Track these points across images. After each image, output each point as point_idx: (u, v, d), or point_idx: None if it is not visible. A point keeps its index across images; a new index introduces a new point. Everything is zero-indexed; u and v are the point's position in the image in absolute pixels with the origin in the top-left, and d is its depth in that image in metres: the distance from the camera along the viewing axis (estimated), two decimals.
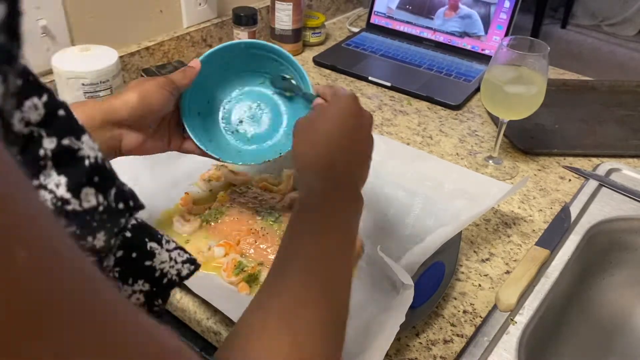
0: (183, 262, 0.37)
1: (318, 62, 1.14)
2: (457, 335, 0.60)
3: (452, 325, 0.61)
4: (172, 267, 0.36)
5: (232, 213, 0.71)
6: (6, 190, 0.16)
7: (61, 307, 0.17)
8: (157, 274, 0.35)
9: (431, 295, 0.61)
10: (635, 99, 1.07)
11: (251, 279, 0.64)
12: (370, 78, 1.09)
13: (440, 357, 0.58)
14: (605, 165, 0.88)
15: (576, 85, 1.10)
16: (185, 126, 0.64)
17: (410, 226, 0.73)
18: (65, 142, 0.25)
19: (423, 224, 0.73)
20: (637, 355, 0.78)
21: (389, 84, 1.07)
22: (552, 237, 0.73)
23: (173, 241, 0.37)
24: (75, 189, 0.25)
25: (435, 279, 0.63)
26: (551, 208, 0.79)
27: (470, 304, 0.64)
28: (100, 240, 0.27)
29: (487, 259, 0.70)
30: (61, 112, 0.26)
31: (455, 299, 0.64)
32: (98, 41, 0.89)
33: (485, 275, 0.68)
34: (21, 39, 0.21)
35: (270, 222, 0.70)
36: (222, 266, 0.65)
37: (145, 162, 0.72)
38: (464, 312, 0.63)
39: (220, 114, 0.71)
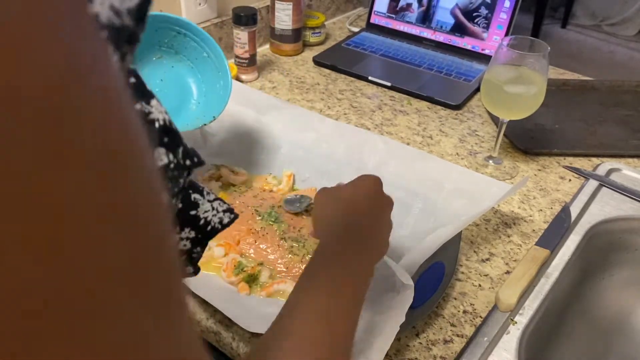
0: (224, 211, 0.40)
1: (318, 62, 1.14)
2: (457, 335, 0.60)
3: (452, 325, 0.61)
4: (215, 215, 0.39)
5: None
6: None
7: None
8: (201, 222, 0.38)
9: (431, 295, 0.61)
10: (635, 99, 1.07)
11: (251, 279, 0.64)
12: (370, 78, 1.09)
13: (440, 357, 0.58)
14: (605, 165, 0.88)
15: (576, 85, 1.10)
16: None
17: (410, 226, 0.73)
18: (138, 106, 0.27)
19: (423, 224, 0.73)
20: (637, 355, 0.78)
21: (389, 84, 1.07)
22: (552, 237, 0.73)
23: (212, 193, 0.41)
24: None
25: (435, 279, 0.63)
26: (551, 208, 0.79)
27: (470, 304, 0.64)
28: (164, 197, 0.31)
29: (487, 259, 0.70)
30: (132, 80, 0.27)
31: (455, 299, 0.64)
32: None
33: (485, 275, 0.68)
34: (145, 22, 0.23)
35: (270, 222, 0.70)
36: (222, 266, 0.65)
37: None
38: (464, 312, 0.63)
39: None
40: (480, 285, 0.66)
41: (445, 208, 0.74)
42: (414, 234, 0.71)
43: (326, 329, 0.41)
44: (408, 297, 0.55)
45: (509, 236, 0.74)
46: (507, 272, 0.68)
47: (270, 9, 1.14)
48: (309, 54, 1.18)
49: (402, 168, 0.80)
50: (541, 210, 0.79)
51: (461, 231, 0.67)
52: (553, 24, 2.66)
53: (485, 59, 1.11)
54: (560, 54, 2.11)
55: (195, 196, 0.38)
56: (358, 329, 0.56)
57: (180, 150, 0.30)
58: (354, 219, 0.51)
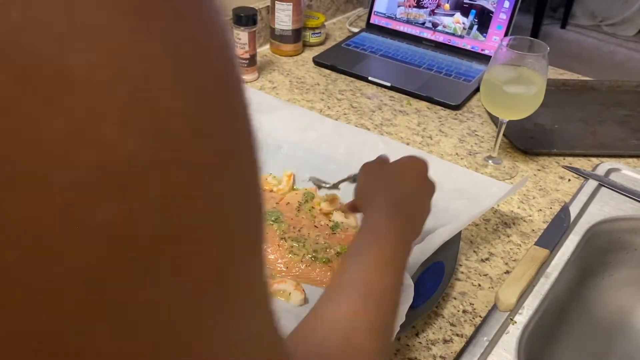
0: None
1: (318, 62, 1.14)
2: (457, 335, 0.60)
3: (452, 325, 0.61)
4: None
5: None
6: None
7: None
8: None
9: (431, 295, 0.61)
10: (634, 99, 1.07)
11: None
12: (370, 78, 1.09)
13: (440, 357, 0.58)
14: (605, 165, 0.88)
15: (576, 85, 1.10)
16: None
17: None
18: None
19: None
20: (637, 355, 0.78)
21: (388, 84, 1.07)
22: (551, 237, 0.73)
23: None
24: None
25: (435, 279, 0.63)
26: (551, 208, 0.79)
27: (470, 304, 0.64)
28: None
29: (487, 259, 0.70)
30: None
31: (455, 298, 0.64)
32: None
33: (485, 275, 0.68)
34: None
35: (270, 222, 0.70)
36: None
37: None
38: (464, 311, 0.63)
39: None
40: (479, 285, 0.66)
41: (445, 208, 0.74)
42: None
43: (375, 306, 0.41)
44: (408, 296, 0.55)
45: (508, 236, 0.74)
46: (507, 272, 0.68)
47: (270, 9, 1.14)
48: (309, 54, 1.18)
49: None
50: (541, 210, 0.79)
51: (461, 231, 0.67)
52: (553, 24, 2.66)
53: (484, 59, 1.11)
54: (560, 54, 2.11)
55: None
56: None
57: None
58: (399, 198, 0.54)
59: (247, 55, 1.05)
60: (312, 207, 0.74)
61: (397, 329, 0.53)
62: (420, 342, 0.59)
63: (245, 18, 1.02)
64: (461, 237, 0.69)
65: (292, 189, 0.79)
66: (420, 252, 0.64)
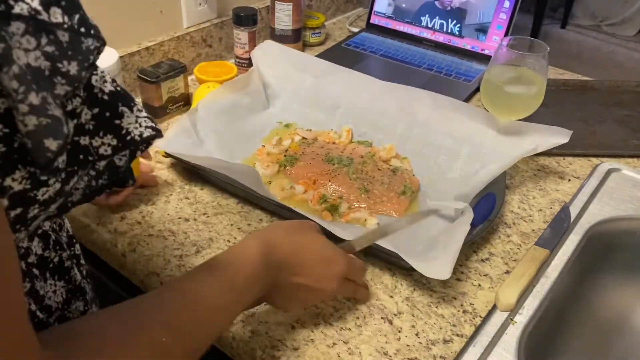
0: (147, 127, 0.43)
1: None
2: (457, 335, 0.60)
3: (452, 325, 0.61)
4: (136, 128, 0.42)
5: (305, 159, 0.84)
6: None
7: None
8: (123, 132, 0.41)
9: (486, 217, 0.71)
10: (635, 99, 1.07)
11: (332, 209, 0.76)
12: None
13: (440, 357, 0.58)
14: (605, 165, 0.88)
15: (576, 85, 1.10)
16: None
17: (459, 169, 0.83)
18: None
19: (470, 167, 0.82)
20: (637, 355, 0.78)
21: None
22: (551, 237, 0.73)
23: (145, 111, 0.44)
24: (46, 4, 0.30)
25: (488, 205, 0.73)
26: (551, 208, 0.79)
27: (470, 304, 0.64)
28: (74, 68, 0.32)
29: (487, 259, 0.70)
30: None
31: (455, 298, 0.64)
32: None
33: (485, 275, 0.68)
34: None
35: (342, 165, 0.82)
36: (309, 197, 0.78)
37: (224, 118, 0.88)
38: (464, 311, 0.63)
39: None
40: (480, 285, 0.66)
41: (490, 152, 0.81)
42: (463, 176, 0.81)
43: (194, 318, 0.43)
44: (469, 216, 0.67)
45: (508, 236, 0.74)
46: (507, 272, 0.68)
47: (270, 9, 1.14)
48: (309, 54, 1.18)
49: (449, 118, 0.87)
50: (541, 210, 0.79)
51: (505, 171, 0.77)
52: (553, 24, 2.66)
53: (485, 59, 1.11)
54: (560, 54, 2.10)
55: (122, 108, 0.41)
56: (425, 244, 0.69)
57: (77, 16, 0.32)
58: (283, 251, 0.52)
59: (247, 55, 1.05)
60: (373, 155, 0.86)
61: (459, 247, 0.62)
62: (420, 342, 0.59)
63: (245, 18, 1.02)
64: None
65: (350, 141, 0.90)
66: (474, 185, 0.76)
